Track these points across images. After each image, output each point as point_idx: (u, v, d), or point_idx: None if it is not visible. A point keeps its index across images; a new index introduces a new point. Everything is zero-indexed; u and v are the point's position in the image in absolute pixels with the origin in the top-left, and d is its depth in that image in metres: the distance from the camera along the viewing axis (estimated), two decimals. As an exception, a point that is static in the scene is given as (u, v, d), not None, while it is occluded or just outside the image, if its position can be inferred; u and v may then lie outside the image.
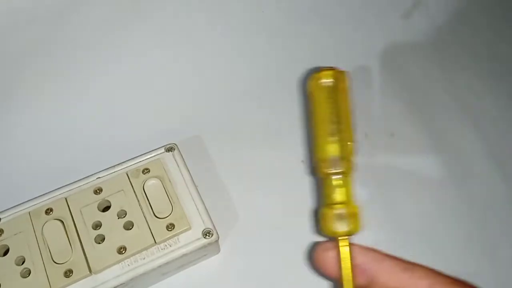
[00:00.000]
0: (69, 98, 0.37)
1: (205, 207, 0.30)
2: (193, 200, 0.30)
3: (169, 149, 0.33)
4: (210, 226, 0.29)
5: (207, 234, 0.29)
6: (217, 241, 0.29)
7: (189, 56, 0.40)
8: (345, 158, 0.22)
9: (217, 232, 0.29)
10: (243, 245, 0.32)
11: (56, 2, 0.36)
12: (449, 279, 0.21)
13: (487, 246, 0.33)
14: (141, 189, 0.30)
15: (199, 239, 0.29)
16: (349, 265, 0.22)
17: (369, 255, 0.22)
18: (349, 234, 0.22)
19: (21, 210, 0.29)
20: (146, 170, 0.31)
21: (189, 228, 0.29)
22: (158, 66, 0.39)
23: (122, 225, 0.29)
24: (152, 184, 0.30)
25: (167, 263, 0.28)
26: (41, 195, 0.30)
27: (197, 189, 0.31)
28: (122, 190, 0.30)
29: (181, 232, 0.29)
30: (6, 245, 0.28)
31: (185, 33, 0.41)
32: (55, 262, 0.27)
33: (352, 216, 0.22)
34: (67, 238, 0.28)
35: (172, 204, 0.29)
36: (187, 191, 0.31)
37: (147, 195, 0.30)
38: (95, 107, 0.37)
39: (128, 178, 0.30)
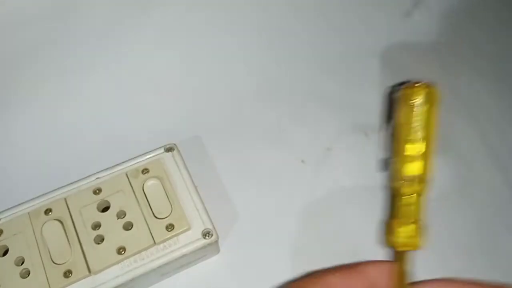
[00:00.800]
0: (68, 98, 0.36)
1: (205, 207, 0.30)
2: (193, 200, 0.30)
3: (169, 149, 0.32)
4: (210, 227, 0.29)
5: (207, 235, 0.29)
6: (216, 241, 0.29)
7: (189, 56, 0.40)
8: (424, 178, 0.23)
9: (216, 233, 0.29)
10: (243, 245, 0.32)
11: (56, 2, 0.36)
12: None
13: (487, 248, 0.33)
14: (141, 189, 0.30)
15: (198, 239, 0.29)
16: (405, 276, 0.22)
17: None
18: (412, 248, 0.23)
19: (20, 211, 0.29)
20: (145, 170, 0.31)
21: (189, 229, 0.29)
22: (158, 66, 0.39)
23: (121, 226, 0.28)
24: (151, 184, 0.30)
25: (166, 264, 0.28)
26: (40, 196, 0.30)
27: (196, 189, 0.31)
28: (122, 190, 0.30)
29: (181, 233, 0.29)
30: (6, 246, 0.28)
31: (185, 33, 0.41)
32: (54, 263, 0.27)
33: (419, 233, 0.23)
34: (66, 239, 0.28)
35: (172, 205, 0.29)
36: (186, 191, 0.31)
37: (146, 195, 0.29)
38: (94, 107, 0.37)
39: (128, 178, 0.30)
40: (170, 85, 0.39)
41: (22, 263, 0.27)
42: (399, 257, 0.23)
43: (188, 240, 0.29)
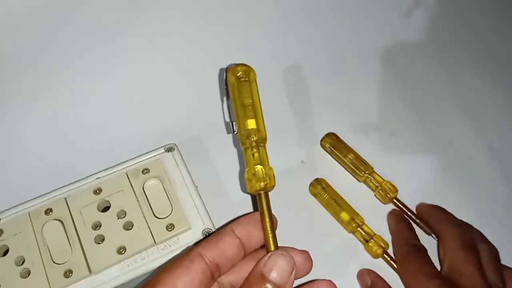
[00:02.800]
0: (68, 99, 0.37)
1: (205, 207, 0.30)
2: (193, 200, 0.30)
3: (169, 149, 0.32)
4: (210, 226, 0.29)
5: (207, 235, 0.29)
6: (217, 241, 0.29)
7: (189, 56, 0.40)
8: (259, 130, 0.27)
9: (217, 232, 0.29)
10: (243, 245, 0.32)
11: (55, 3, 0.36)
12: None
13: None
14: (141, 189, 0.30)
15: (199, 239, 0.29)
16: (267, 216, 0.24)
17: None
18: (266, 189, 0.25)
19: (20, 211, 0.29)
20: (145, 170, 0.31)
21: (189, 228, 0.29)
22: (158, 66, 0.39)
23: (121, 226, 0.29)
24: (151, 184, 0.30)
25: (167, 264, 0.28)
26: (40, 196, 0.30)
27: (196, 189, 0.31)
28: (122, 190, 0.30)
29: (181, 232, 0.29)
30: (6, 246, 0.28)
31: (185, 33, 0.41)
32: (54, 263, 0.27)
33: (268, 175, 0.26)
34: (66, 239, 0.28)
35: (172, 204, 0.29)
36: (186, 191, 0.31)
37: (146, 195, 0.30)
38: (95, 107, 0.37)
39: (128, 178, 0.30)
40: (170, 85, 0.39)
41: (23, 263, 0.27)
42: (259, 201, 0.25)
43: (189, 240, 0.29)
